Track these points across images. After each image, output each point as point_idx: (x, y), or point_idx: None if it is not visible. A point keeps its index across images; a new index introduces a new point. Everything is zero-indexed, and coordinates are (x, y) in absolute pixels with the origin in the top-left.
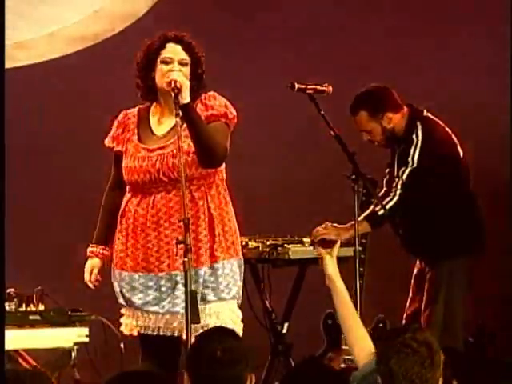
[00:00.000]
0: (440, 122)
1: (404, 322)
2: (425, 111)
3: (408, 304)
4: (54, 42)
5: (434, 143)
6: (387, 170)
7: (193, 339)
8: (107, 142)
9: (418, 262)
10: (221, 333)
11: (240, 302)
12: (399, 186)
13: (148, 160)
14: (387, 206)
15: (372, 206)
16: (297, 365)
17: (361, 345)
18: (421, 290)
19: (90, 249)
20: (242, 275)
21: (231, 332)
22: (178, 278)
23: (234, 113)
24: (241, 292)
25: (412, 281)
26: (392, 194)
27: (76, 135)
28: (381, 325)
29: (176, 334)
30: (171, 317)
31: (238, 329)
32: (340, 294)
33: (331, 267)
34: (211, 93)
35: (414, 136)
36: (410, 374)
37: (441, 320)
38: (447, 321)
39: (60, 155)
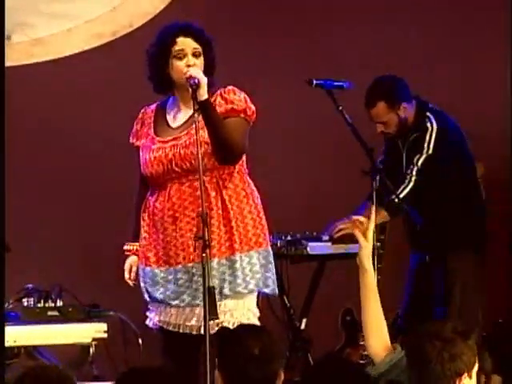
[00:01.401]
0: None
1: (404, 318)
2: (429, 103)
3: (406, 301)
4: (72, 39)
5: (448, 132)
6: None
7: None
8: (130, 139)
9: (417, 259)
10: (255, 331)
11: (275, 292)
12: (414, 173)
13: (162, 151)
14: (403, 193)
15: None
16: (319, 360)
17: (377, 336)
18: (422, 286)
19: (126, 247)
20: (271, 265)
21: (264, 329)
22: (194, 270)
23: (253, 108)
24: (261, 283)
25: (411, 277)
26: (407, 181)
27: (92, 132)
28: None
29: (194, 333)
30: (190, 313)
31: None
32: (368, 281)
33: (367, 257)
34: (230, 87)
35: (428, 124)
36: (425, 368)
37: (456, 315)
38: (464, 314)
39: (80, 151)
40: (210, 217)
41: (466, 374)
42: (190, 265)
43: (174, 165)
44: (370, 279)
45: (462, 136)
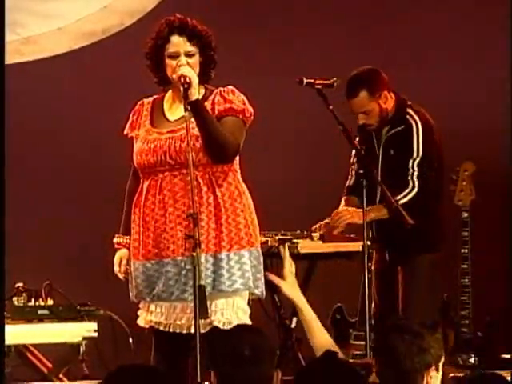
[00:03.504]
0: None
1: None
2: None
3: (377, 302)
4: (62, 37)
5: (432, 130)
6: (354, 160)
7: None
8: (126, 130)
9: (379, 259)
10: (246, 331)
11: (263, 294)
12: (415, 178)
13: (157, 142)
14: (406, 198)
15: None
16: (313, 359)
17: None
18: (391, 287)
19: (116, 240)
20: (261, 267)
21: (256, 330)
22: (183, 264)
23: (251, 110)
24: (251, 283)
25: (378, 279)
26: (410, 186)
27: (85, 131)
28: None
29: (184, 332)
30: (181, 312)
31: None
32: (306, 320)
33: (291, 293)
34: (230, 87)
35: (411, 121)
36: (395, 363)
37: (412, 316)
38: (418, 315)
39: (72, 150)
40: (200, 212)
41: (433, 367)
42: (180, 258)
43: (168, 157)
44: (307, 315)
45: (440, 136)
